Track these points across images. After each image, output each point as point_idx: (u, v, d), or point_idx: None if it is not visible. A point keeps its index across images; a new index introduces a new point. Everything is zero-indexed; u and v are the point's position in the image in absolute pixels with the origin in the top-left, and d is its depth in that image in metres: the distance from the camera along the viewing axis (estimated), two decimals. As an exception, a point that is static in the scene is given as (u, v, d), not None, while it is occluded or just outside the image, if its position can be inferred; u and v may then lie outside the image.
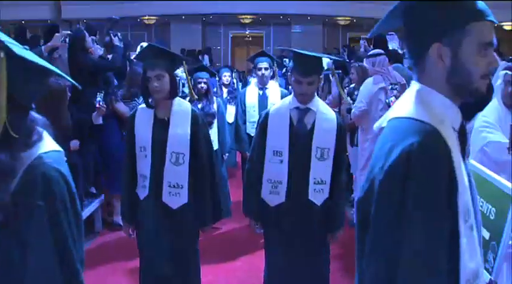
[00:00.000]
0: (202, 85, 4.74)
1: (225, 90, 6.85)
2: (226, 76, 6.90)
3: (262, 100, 4.91)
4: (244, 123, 5.03)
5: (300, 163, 2.73)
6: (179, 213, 2.85)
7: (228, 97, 6.75)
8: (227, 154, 5.08)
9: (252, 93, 5.00)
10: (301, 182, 2.73)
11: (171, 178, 2.83)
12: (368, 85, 4.91)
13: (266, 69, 4.90)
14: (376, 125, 1.35)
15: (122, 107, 4.79)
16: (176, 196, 2.83)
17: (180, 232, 2.87)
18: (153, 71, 2.73)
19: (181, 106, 2.88)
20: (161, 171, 2.82)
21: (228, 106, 6.54)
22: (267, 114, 2.83)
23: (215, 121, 4.77)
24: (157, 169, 2.82)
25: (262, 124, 2.82)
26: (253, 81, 7.72)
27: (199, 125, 2.88)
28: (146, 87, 2.78)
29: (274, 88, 5.01)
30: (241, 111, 5.02)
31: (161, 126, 2.83)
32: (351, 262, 2.51)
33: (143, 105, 2.91)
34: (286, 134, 2.73)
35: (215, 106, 4.85)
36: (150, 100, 2.84)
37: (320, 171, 2.73)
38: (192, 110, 2.90)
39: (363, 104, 4.87)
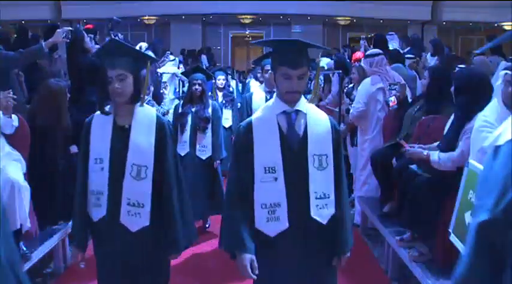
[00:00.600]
0: (197, 87, 4.59)
1: (219, 93, 6.78)
2: (220, 80, 6.78)
3: None
4: None
5: (298, 177, 2.23)
6: (139, 237, 2.44)
7: (224, 101, 6.70)
8: (218, 162, 4.81)
9: (258, 97, 4.53)
10: (303, 200, 2.23)
11: (130, 194, 2.42)
12: (366, 86, 4.92)
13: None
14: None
15: None
16: (136, 217, 2.43)
17: (143, 258, 2.50)
18: (114, 70, 2.39)
19: (145, 112, 2.53)
20: (120, 187, 2.43)
21: (224, 110, 6.48)
22: (249, 125, 2.30)
23: (209, 126, 4.63)
24: (115, 184, 2.43)
25: (245, 137, 2.28)
26: (254, 83, 7.61)
27: (165, 134, 2.52)
28: (104, 89, 2.43)
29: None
30: (247, 117, 4.68)
31: (121, 135, 2.47)
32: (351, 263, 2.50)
33: (98, 112, 2.54)
34: (278, 145, 2.23)
35: (211, 110, 4.69)
36: (108, 106, 2.50)
37: (320, 182, 2.25)
38: (158, 117, 2.55)
39: (361, 105, 4.88)
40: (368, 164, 4.95)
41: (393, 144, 4.06)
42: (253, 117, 2.34)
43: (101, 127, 2.49)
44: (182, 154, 4.54)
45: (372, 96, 4.88)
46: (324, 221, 2.26)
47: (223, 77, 6.84)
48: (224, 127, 6.35)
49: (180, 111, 4.73)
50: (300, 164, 2.24)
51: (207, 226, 5.08)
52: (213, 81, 6.42)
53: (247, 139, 2.26)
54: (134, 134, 2.46)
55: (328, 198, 2.27)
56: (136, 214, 2.43)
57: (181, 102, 4.83)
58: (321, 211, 2.25)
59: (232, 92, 7.08)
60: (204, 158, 4.72)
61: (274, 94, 2.34)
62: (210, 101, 4.75)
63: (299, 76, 2.20)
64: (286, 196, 2.22)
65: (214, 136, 4.69)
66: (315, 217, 2.24)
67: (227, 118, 6.61)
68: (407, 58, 6.18)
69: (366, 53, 5.26)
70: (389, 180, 4.24)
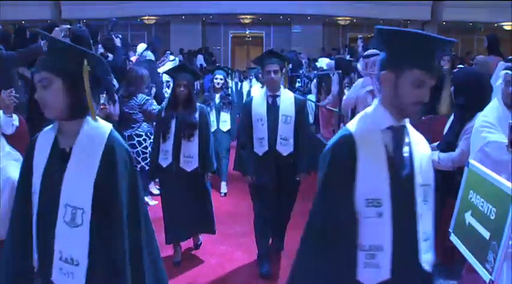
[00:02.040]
0: (182, 89, 3.97)
1: (217, 95, 6.22)
2: (217, 79, 6.21)
3: (273, 111, 3.93)
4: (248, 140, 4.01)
5: (405, 213, 1.77)
6: None
7: (221, 104, 6.19)
8: (210, 175, 4.24)
9: (259, 103, 3.98)
10: (410, 243, 1.78)
11: (63, 246, 1.78)
12: (356, 87, 5.00)
13: (276, 72, 3.88)
14: None
15: (112, 109, 4.78)
16: (68, 277, 1.79)
17: None
18: (38, 74, 1.81)
19: (93, 131, 1.84)
20: (52, 234, 1.80)
21: (222, 113, 6.18)
22: (350, 139, 1.75)
23: (196, 132, 4.01)
24: (47, 230, 1.81)
25: (346, 155, 1.74)
26: (254, 86, 7.47)
27: (114, 163, 1.80)
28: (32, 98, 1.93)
29: (286, 96, 3.98)
30: (247, 125, 3.99)
31: (60, 162, 1.84)
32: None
33: (50, 126, 1.96)
34: (385, 170, 1.74)
35: (198, 114, 4.05)
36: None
37: (426, 220, 1.82)
38: (110, 139, 1.84)
39: (347, 96, 5.16)
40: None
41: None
42: (353, 128, 1.80)
43: (42, 149, 1.89)
44: (164, 166, 4.03)
45: (361, 98, 4.92)
46: (430, 269, 1.85)
47: (221, 77, 6.27)
48: (223, 131, 6.20)
49: (162, 115, 4.08)
50: (408, 196, 1.78)
51: (198, 243, 4.50)
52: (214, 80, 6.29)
53: (349, 159, 1.73)
54: (73, 162, 1.81)
55: (429, 239, 1.84)
56: (69, 274, 1.79)
57: (164, 105, 4.16)
58: (426, 257, 1.83)
59: (230, 94, 6.52)
60: (189, 170, 4.03)
61: (375, 103, 1.82)
62: (198, 104, 4.14)
63: (431, 85, 1.77)
64: (392, 237, 1.75)
65: (203, 145, 4.05)
66: (423, 265, 1.81)
67: (225, 121, 6.28)
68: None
69: (364, 54, 5.27)
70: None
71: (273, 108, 3.93)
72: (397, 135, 1.78)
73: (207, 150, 4.10)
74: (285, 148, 3.90)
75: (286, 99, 3.96)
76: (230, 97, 6.33)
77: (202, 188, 4.19)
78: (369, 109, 1.82)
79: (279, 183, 3.95)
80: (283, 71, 3.97)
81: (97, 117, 1.89)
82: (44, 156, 1.86)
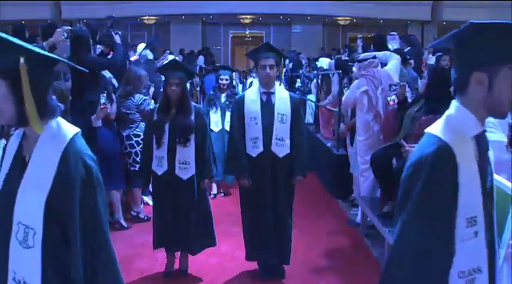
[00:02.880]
0: (174, 88, 3.62)
1: (222, 94, 6.21)
2: (223, 80, 6.20)
3: (268, 109, 3.69)
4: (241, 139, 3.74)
5: (490, 229, 1.59)
6: None
7: (227, 102, 6.10)
8: (206, 181, 3.86)
9: (252, 100, 3.73)
10: (495, 264, 1.62)
11: (16, 266, 1.56)
12: (353, 89, 5.05)
13: (272, 67, 3.63)
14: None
15: (110, 109, 4.78)
16: None
17: None
18: None
19: (53, 138, 1.57)
20: (6, 253, 1.57)
21: (228, 113, 5.87)
22: (447, 150, 1.49)
23: (192, 137, 3.67)
24: (1, 247, 1.59)
25: (448, 170, 1.47)
26: (254, 83, 7.42)
27: (72, 178, 1.54)
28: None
29: (281, 94, 3.76)
30: (239, 124, 3.72)
31: (19, 171, 1.59)
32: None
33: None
34: (479, 185, 1.53)
35: (194, 116, 3.73)
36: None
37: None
38: (67, 148, 1.56)
39: (346, 96, 5.15)
40: (364, 164, 4.98)
41: (393, 144, 4.06)
42: (444, 136, 1.53)
43: (8, 155, 1.66)
44: (159, 173, 3.73)
45: (357, 99, 4.97)
46: None
47: (226, 77, 6.24)
48: (226, 131, 5.79)
49: (154, 118, 3.75)
50: (491, 208, 1.63)
51: (184, 270, 3.97)
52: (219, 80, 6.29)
53: (453, 174, 1.47)
54: (28, 173, 1.56)
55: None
56: None
57: (156, 107, 3.83)
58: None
59: (237, 93, 6.44)
60: (185, 178, 3.70)
61: (455, 106, 1.59)
62: (193, 104, 3.82)
63: None
64: (487, 255, 1.56)
65: (200, 149, 3.72)
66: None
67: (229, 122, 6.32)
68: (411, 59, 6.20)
69: (358, 58, 5.32)
70: (389, 180, 4.24)
71: (267, 106, 3.68)
72: (482, 142, 1.57)
73: (205, 155, 3.75)
74: (281, 149, 3.67)
75: (282, 96, 3.72)
76: (236, 97, 6.34)
77: (199, 197, 3.81)
78: (450, 113, 1.60)
79: (275, 188, 3.71)
80: (279, 67, 3.85)
81: (61, 120, 1.62)
82: (7, 163, 1.63)
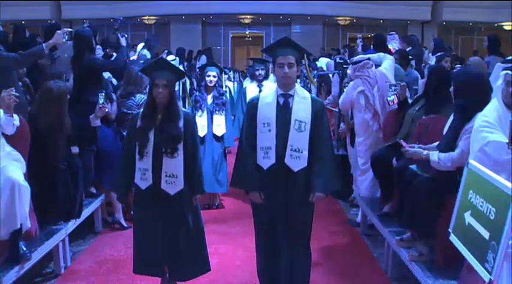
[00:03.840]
0: (161, 90, 3.13)
1: (209, 95, 5.48)
2: (210, 77, 5.45)
3: (284, 114, 3.12)
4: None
5: None
6: None
7: (214, 104, 5.45)
8: (199, 196, 3.36)
9: (267, 103, 3.16)
10: None
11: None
12: (349, 90, 5.08)
13: (291, 65, 3.05)
14: None
15: (109, 108, 4.79)
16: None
17: None
18: None
19: None
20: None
21: (215, 116, 5.46)
22: None
23: (180, 146, 3.19)
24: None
25: None
26: (250, 85, 7.03)
27: None
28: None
29: (302, 97, 3.15)
30: (250, 129, 3.18)
31: None
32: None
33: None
34: None
35: (182, 122, 3.24)
36: None
37: None
38: None
39: (343, 97, 5.18)
40: (364, 165, 4.99)
41: (393, 143, 4.07)
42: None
43: None
44: (143, 188, 3.21)
45: (354, 100, 5.00)
46: None
47: (214, 73, 5.45)
48: (216, 136, 5.49)
49: (138, 125, 3.22)
50: None
51: None
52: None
53: None
54: None
55: None
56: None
57: (141, 112, 3.31)
58: None
59: (224, 93, 5.67)
60: (172, 193, 3.20)
61: None
62: (182, 110, 3.33)
63: None
64: None
65: (190, 160, 3.25)
66: None
67: (219, 125, 5.49)
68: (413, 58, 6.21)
69: (352, 60, 5.34)
70: (389, 180, 4.24)
71: (284, 110, 3.10)
72: None
73: (195, 166, 3.29)
74: (296, 162, 3.07)
75: (301, 100, 3.12)
76: (224, 97, 5.55)
77: (190, 215, 3.32)
78: None
79: (288, 207, 3.13)
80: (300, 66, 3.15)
81: None
82: None
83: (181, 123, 3.21)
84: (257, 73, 6.19)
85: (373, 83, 4.92)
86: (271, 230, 3.19)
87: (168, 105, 3.20)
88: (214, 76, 5.45)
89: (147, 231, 3.28)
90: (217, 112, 5.48)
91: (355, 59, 5.30)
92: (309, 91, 9.57)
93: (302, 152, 3.07)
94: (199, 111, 5.46)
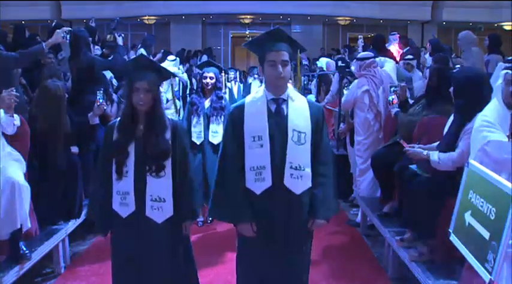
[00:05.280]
0: (142, 96, 2.56)
1: (206, 100, 4.85)
2: (207, 78, 4.83)
3: (278, 124, 2.57)
4: None
5: None
6: None
7: (212, 109, 4.80)
8: (189, 223, 2.79)
9: (256, 111, 2.61)
10: None
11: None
12: (353, 88, 5.07)
13: (285, 63, 2.50)
14: None
15: (109, 109, 4.78)
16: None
17: None
18: None
19: None
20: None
21: (211, 125, 4.79)
22: None
23: (168, 163, 2.64)
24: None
25: None
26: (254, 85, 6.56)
27: None
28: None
29: (298, 101, 2.63)
30: (235, 145, 2.59)
31: None
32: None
33: None
34: None
35: (170, 133, 2.70)
36: None
37: None
38: None
39: (346, 98, 5.15)
40: (363, 164, 4.99)
41: (393, 143, 4.07)
42: None
43: None
44: (124, 216, 2.62)
45: (357, 98, 4.99)
46: None
47: (211, 74, 4.84)
48: (212, 144, 4.80)
49: (114, 137, 2.64)
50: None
51: None
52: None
53: None
54: None
55: None
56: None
57: (117, 122, 2.71)
58: None
59: (223, 96, 4.99)
60: (159, 221, 2.63)
61: None
62: (170, 118, 2.75)
63: None
64: None
65: (181, 180, 2.68)
66: None
67: (216, 132, 4.78)
68: (407, 59, 6.21)
69: (357, 57, 5.34)
70: (389, 180, 4.25)
71: (278, 119, 2.53)
72: None
73: (187, 187, 2.71)
74: (298, 182, 2.51)
75: (298, 105, 2.58)
76: (223, 102, 4.89)
77: (180, 247, 2.78)
78: None
79: (288, 239, 2.57)
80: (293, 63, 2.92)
81: None
82: None
83: (168, 135, 2.64)
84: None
85: (379, 83, 4.92)
86: (263, 268, 2.59)
87: (151, 113, 2.61)
88: (211, 78, 4.83)
89: (129, 267, 2.69)
90: (214, 118, 4.80)
91: (361, 55, 5.29)
92: (309, 92, 9.55)
93: (304, 169, 2.49)
94: (196, 116, 4.83)
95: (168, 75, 2.93)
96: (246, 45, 2.78)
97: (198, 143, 4.82)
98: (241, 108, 2.59)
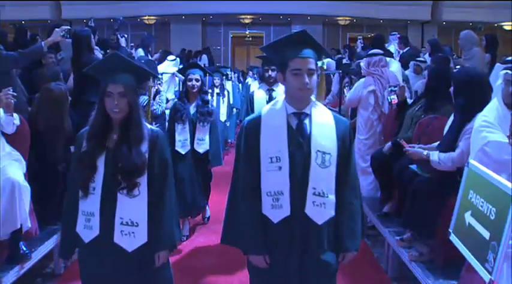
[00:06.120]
0: (116, 102, 2.20)
1: (192, 104, 4.50)
2: (192, 80, 4.46)
3: (300, 142, 2.22)
4: None
5: None
6: None
7: (198, 114, 4.45)
8: (162, 254, 2.31)
9: (274, 126, 2.24)
10: None
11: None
12: (359, 87, 5.05)
13: (312, 72, 2.13)
14: None
15: None
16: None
17: None
18: None
19: None
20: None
21: (197, 129, 4.47)
22: None
23: (143, 180, 2.24)
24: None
25: None
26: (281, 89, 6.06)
27: None
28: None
29: (322, 116, 2.28)
30: (250, 165, 2.26)
31: None
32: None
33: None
34: None
35: (147, 145, 2.31)
36: None
37: None
38: None
39: (349, 97, 5.15)
40: (364, 164, 4.99)
41: (393, 144, 4.07)
42: None
43: None
44: (86, 241, 2.24)
45: (362, 98, 4.98)
46: None
47: (197, 77, 4.46)
48: (198, 154, 4.51)
49: (83, 148, 2.27)
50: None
51: None
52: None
53: None
54: None
55: None
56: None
57: (87, 130, 2.33)
58: None
59: (209, 101, 4.65)
60: (130, 250, 2.23)
61: None
62: (149, 127, 2.35)
63: None
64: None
65: (159, 201, 2.29)
66: None
67: (202, 140, 4.50)
68: (418, 60, 6.22)
69: (369, 52, 5.31)
70: (389, 180, 4.25)
71: (299, 137, 2.19)
72: None
73: (164, 211, 2.30)
74: (321, 211, 2.18)
75: (323, 121, 2.23)
76: (210, 106, 4.60)
77: (154, 279, 2.35)
78: None
79: (305, 275, 2.24)
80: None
81: None
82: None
83: (145, 147, 2.25)
84: (267, 75, 4.53)
85: (385, 84, 4.91)
86: None
87: (126, 122, 2.24)
88: (197, 80, 4.47)
89: None
90: (201, 124, 4.45)
91: (372, 51, 5.26)
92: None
93: (327, 196, 2.17)
94: (180, 123, 4.45)
95: (147, 75, 2.60)
96: (264, 48, 2.48)
97: (183, 153, 4.45)
98: (257, 122, 2.23)
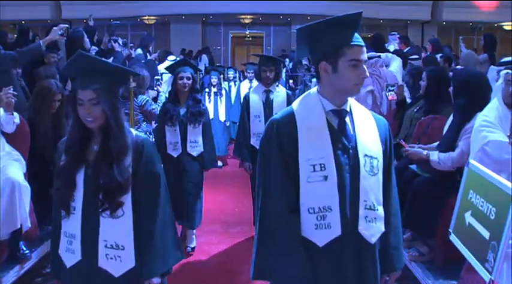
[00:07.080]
0: (87, 111, 1.89)
1: (182, 105, 4.24)
2: (184, 79, 4.18)
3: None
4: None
5: None
6: None
7: (188, 115, 4.20)
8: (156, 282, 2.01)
9: (313, 123, 1.87)
10: None
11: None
12: None
13: None
14: None
15: None
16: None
17: None
18: None
19: None
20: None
21: (189, 131, 4.23)
22: None
23: (128, 198, 1.93)
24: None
25: None
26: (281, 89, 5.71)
27: None
28: None
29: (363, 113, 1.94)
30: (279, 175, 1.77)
31: None
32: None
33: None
34: None
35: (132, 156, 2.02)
36: None
37: None
38: None
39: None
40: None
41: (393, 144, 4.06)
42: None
43: None
44: (68, 265, 1.97)
45: (360, 98, 4.97)
46: None
47: (188, 75, 4.20)
48: (191, 157, 4.26)
49: (62, 161, 1.98)
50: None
51: None
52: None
53: None
54: None
55: None
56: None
57: (63, 141, 2.04)
58: None
59: (201, 100, 4.40)
60: (117, 275, 1.95)
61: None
62: (135, 134, 2.04)
63: None
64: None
65: (147, 221, 1.99)
66: None
67: (195, 142, 4.28)
68: (411, 59, 6.22)
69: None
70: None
71: (344, 139, 1.84)
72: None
73: (154, 232, 1.99)
74: (373, 227, 1.86)
75: (364, 119, 1.90)
76: (202, 106, 4.32)
77: None
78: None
79: None
80: None
81: None
82: None
83: (128, 160, 1.93)
84: (264, 75, 4.50)
85: (383, 84, 4.91)
86: None
87: (106, 130, 1.93)
88: (188, 78, 4.19)
89: None
90: (191, 125, 4.20)
91: (368, 55, 5.27)
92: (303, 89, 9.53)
93: (377, 209, 1.84)
94: (170, 125, 4.21)
95: (126, 76, 2.26)
96: (305, 30, 1.89)
97: (174, 156, 4.22)
98: (291, 121, 1.81)
